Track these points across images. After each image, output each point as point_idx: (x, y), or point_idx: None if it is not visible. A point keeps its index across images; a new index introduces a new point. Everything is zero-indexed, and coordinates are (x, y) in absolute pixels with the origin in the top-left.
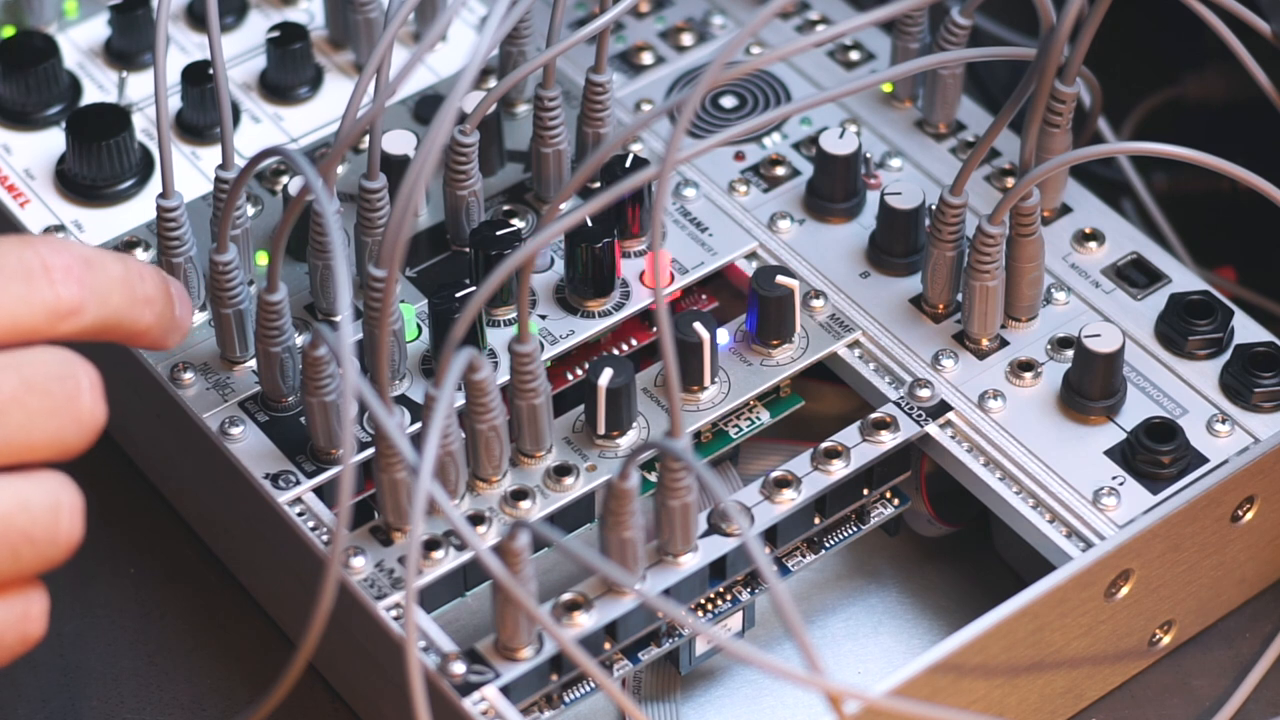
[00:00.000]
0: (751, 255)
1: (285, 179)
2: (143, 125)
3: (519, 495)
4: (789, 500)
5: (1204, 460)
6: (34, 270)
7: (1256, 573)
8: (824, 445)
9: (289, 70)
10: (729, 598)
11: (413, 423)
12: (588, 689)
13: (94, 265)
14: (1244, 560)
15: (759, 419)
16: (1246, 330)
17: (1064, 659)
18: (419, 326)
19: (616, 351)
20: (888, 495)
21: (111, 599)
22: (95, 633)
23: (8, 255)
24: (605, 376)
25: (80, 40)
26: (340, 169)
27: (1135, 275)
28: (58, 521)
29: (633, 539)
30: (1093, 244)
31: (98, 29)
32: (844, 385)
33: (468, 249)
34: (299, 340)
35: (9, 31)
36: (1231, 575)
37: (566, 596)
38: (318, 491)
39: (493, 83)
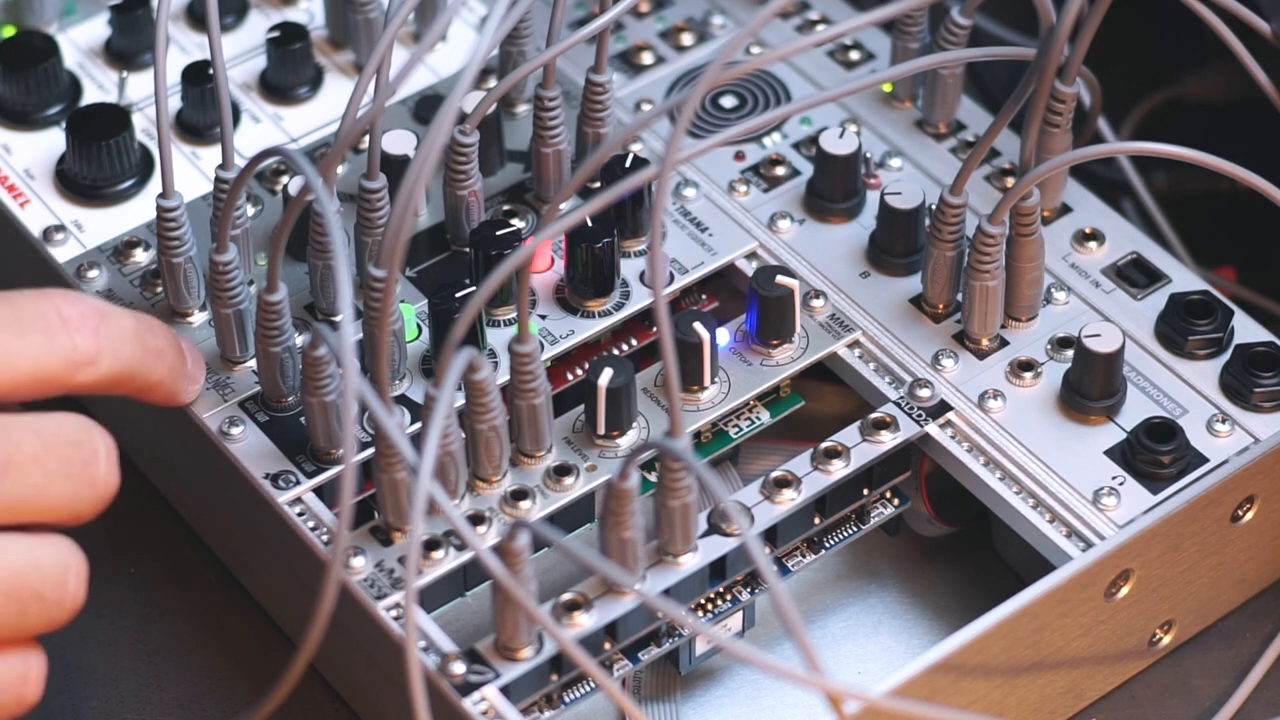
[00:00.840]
0: (751, 255)
1: (285, 179)
2: (143, 125)
3: (519, 495)
4: (789, 500)
5: (1204, 460)
6: (51, 321)
7: (1256, 573)
8: (824, 445)
9: (289, 70)
10: (729, 598)
11: (413, 423)
12: (588, 689)
13: (108, 317)
14: (1244, 560)
15: (759, 419)
16: (1246, 330)
17: (1064, 659)
18: (419, 326)
19: (616, 351)
20: (888, 495)
21: (111, 599)
22: (95, 633)
23: (24, 306)
24: (605, 376)
25: (80, 40)
26: (340, 169)
27: (1135, 275)
28: (65, 583)
29: (633, 539)
30: (1093, 244)
31: (98, 29)
32: (844, 385)
33: (468, 249)
34: (299, 340)
35: (9, 31)
36: (1231, 575)
37: (566, 596)
38: (318, 491)
39: (493, 83)
